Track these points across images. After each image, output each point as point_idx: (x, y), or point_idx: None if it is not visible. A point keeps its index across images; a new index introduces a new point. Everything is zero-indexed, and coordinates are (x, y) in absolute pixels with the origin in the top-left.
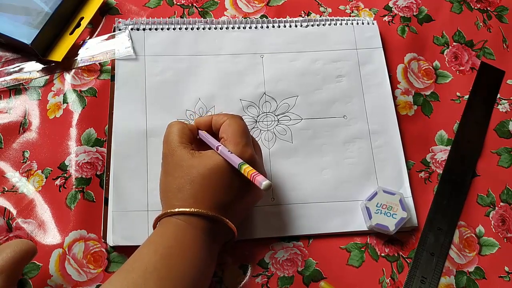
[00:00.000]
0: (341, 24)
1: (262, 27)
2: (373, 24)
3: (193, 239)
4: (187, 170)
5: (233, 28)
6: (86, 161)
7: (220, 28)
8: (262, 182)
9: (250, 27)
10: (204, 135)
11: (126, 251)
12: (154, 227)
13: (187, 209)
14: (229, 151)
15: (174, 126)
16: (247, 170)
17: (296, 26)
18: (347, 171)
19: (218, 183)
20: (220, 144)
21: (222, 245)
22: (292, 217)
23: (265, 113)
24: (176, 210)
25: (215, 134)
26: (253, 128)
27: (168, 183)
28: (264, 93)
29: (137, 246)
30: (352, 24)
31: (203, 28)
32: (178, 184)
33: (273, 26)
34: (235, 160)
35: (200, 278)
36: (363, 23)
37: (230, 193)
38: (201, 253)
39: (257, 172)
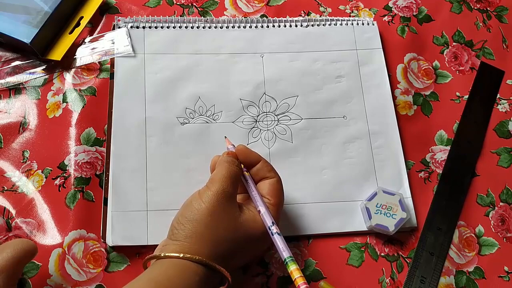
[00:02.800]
0: (341, 25)
1: (262, 26)
2: (373, 24)
3: (191, 284)
4: (236, 228)
5: (233, 27)
6: (86, 161)
7: (220, 27)
8: None
9: (250, 27)
10: (251, 184)
11: (126, 251)
12: (144, 267)
13: (203, 260)
14: (272, 227)
15: (230, 167)
16: (296, 274)
17: (296, 26)
18: (346, 171)
19: (244, 246)
20: (264, 207)
21: None
22: (292, 217)
23: (265, 113)
24: (191, 256)
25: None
26: (253, 127)
27: (210, 226)
28: (264, 93)
29: (136, 246)
30: (352, 24)
31: (203, 27)
32: (220, 236)
33: (273, 26)
34: (281, 249)
35: None
36: (363, 24)
37: (247, 255)
38: None
39: (305, 282)
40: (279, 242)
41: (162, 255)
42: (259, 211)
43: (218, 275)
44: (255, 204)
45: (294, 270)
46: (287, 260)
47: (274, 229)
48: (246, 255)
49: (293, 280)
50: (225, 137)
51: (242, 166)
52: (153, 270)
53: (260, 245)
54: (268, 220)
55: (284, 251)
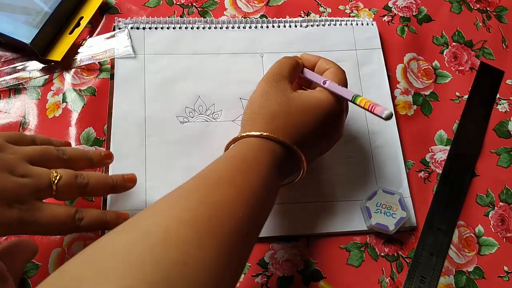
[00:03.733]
0: (341, 25)
1: (262, 27)
2: (372, 25)
3: (268, 161)
4: (288, 101)
5: (233, 27)
6: None
7: (220, 28)
8: (383, 111)
9: (250, 27)
10: (309, 72)
11: None
12: (226, 148)
13: (280, 139)
14: (338, 84)
15: (289, 60)
16: (363, 100)
17: (296, 26)
18: (346, 171)
19: (310, 121)
20: (326, 79)
21: (283, 180)
22: (292, 217)
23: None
24: (267, 134)
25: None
26: None
27: (264, 104)
28: None
29: None
30: (352, 24)
31: (203, 28)
32: (275, 109)
33: (273, 26)
34: (347, 93)
35: (267, 197)
36: (362, 24)
37: (319, 132)
38: (271, 176)
39: (375, 103)
40: (336, 87)
41: (239, 136)
42: (324, 83)
43: (290, 160)
44: (317, 81)
45: (360, 101)
46: (354, 97)
47: (328, 82)
48: (310, 136)
49: (364, 107)
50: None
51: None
52: (229, 151)
53: (321, 122)
54: (320, 78)
55: (350, 92)
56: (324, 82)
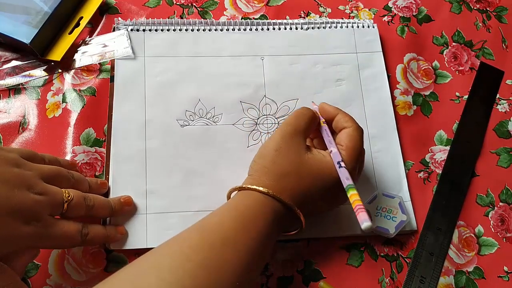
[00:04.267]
0: (341, 27)
1: (262, 29)
2: (373, 27)
3: (269, 221)
4: (299, 163)
5: (233, 29)
6: (85, 162)
7: (220, 30)
8: (363, 221)
9: (250, 29)
10: (324, 130)
11: (125, 251)
12: (230, 194)
13: (281, 198)
14: (341, 162)
15: (307, 113)
16: (353, 197)
17: (296, 28)
18: None
19: (319, 186)
20: (334, 149)
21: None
22: None
23: (265, 116)
24: (270, 192)
25: (330, 127)
26: (253, 130)
27: (276, 161)
28: (265, 95)
29: (135, 250)
30: (353, 27)
31: (203, 30)
32: (286, 169)
33: (274, 29)
34: (344, 178)
35: (264, 259)
36: (363, 26)
37: (322, 198)
38: (271, 237)
39: (362, 206)
40: (343, 174)
41: (245, 186)
42: (330, 151)
43: (291, 217)
44: (327, 146)
45: (351, 195)
46: (348, 187)
47: (334, 152)
48: (315, 199)
49: (352, 206)
50: (312, 102)
51: (323, 120)
52: (233, 199)
53: (329, 188)
54: (330, 144)
55: (346, 180)
56: (331, 152)
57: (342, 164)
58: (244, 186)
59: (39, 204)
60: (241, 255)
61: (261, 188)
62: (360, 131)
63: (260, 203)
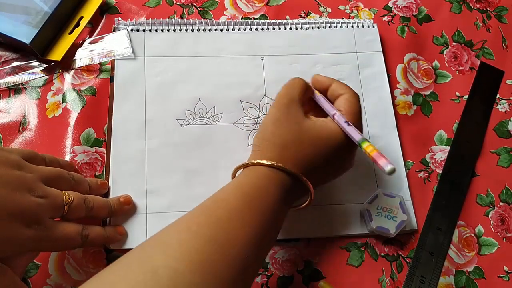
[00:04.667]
0: (341, 27)
1: (262, 29)
2: (373, 27)
3: (276, 194)
4: (299, 131)
5: (233, 29)
6: (85, 162)
7: (220, 30)
8: (386, 165)
9: (250, 29)
10: (321, 98)
11: (125, 250)
12: (235, 173)
13: (289, 169)
14: (346, 122)
15: (299, 82)
16: (369, 148)
17: (296, 28)
18: (346, 175)
19: (321, 153)
20: (337, 112)
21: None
22: (292, 220)
23: (266, 115)
24: (276, 164)
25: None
26: (254, 129)
27: (275, 133)
28: (265, 94)
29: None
30: (353, 27)
31: (203, 30)
32: (285, 139)
33: (273, 28)
34: (356, 134)
35: (273, 233)
36: (363, 26)
37: (325, 165)
38: (278, 210)
39: (380, 153)
40: (351, 130)
41: (249, 162)
42: (333, 115)
43: (298, 188)
44: (328, 112)
45: (366, 147)
46: (361, 141)
47: (337, 117)
48: (320, 166)
49: (368, 154)
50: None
51: (318, 92)
52: (238, 177)
53: (333, 153)
54: (330, 109)
55: (359, 135)
56: (335, 115)
57: (349, 125)
58: (247, 162)
59: (40, 207)
60: (249, 230)
61: (264, 161)
62: (357, 96)
63: (265, 176)
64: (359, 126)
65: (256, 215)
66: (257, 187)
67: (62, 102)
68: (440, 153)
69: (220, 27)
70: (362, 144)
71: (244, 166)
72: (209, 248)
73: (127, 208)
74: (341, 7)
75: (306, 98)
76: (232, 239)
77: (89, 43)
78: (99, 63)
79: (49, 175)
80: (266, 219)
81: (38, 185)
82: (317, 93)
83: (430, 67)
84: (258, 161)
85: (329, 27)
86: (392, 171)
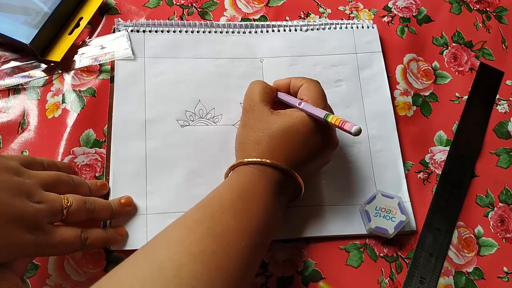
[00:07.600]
0: (341, 28)
1: (262, 31)
2: (373, 28)
3: (265, 187)
4: (267, 125)
5: (233, 32)
6: (85, 163)
7: (220, 32)
8: (352, 127)
9: (250, 32)
10: (283, 95)
11: (125, 251)
12: (226, 176)
13: (265, 160)
14: (309, 105)
15: (257, 84)
16: (334, 118)
17: (295, 30)
18: (345, 175)
19: (295, 139)
20: (299, 100)
21: (287, 201)
22: (291, 220)
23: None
24: (254, 159)
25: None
26: None
27: (247, 135)
28: None
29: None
30: (352, 28)
31: (203, 32)
32: (257, 136)
33: (273, 30)
34: (320, 113)
35: (269, 223)
36: (362, 27)
37: (305, 151)
38: (271, 202)
39: (345, 120)
40: (313, 110)
41: (234, 164)
42: (298, 104)
43: (287, 180)
44: (293, 104)
45: (331, 119)
46: (326, 116)
47: (303, 103)
48: (299, 154)
49: (335, 124)
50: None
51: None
52: (228, 178)
53: (308, 140)
54: (294, 100)
55: (322, 112)
56: (300, 103)
57: (314, 107)
58: (233, 164)
59: (39, 212)
60: (241, 219)
61: (244, 160)
62: (316, 83)
63: (251, 172)
64: (326, 109)
65: (247, 206)
66: (245, 182)
67: (62, 103)
68: (440, 153)
69: (220, 29)
70: (327, 119)
71: (232, 167)
72: (207, 240)
73: (128, 209)
74: (340, 7)
75: (272, 98)
76: (227, 230)
77: (89, 43)
78: (99, 64)
79: (48, 180)
80: (258, 211)
81: (37, 191)
82: (280, 93)
83: (430, 68)
84: (241, 160)
85: (328, 28)
86: (358, 131)
